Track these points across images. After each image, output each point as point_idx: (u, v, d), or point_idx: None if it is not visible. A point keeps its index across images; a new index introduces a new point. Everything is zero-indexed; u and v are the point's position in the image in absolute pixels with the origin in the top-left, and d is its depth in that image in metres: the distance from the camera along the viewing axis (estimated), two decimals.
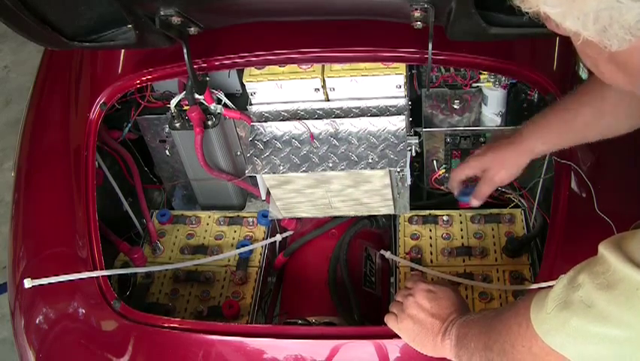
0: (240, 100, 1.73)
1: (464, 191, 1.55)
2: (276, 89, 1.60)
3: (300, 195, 1.66)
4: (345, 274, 1.68)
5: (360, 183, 1.59)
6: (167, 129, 1.80)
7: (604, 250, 0.85)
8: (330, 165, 1.53)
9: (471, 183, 1.55)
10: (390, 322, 1.31)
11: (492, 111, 1.69)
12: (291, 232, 1.85)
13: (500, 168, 1.44)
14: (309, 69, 1.58)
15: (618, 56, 0.78)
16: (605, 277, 0.84)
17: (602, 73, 0.86)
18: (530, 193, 1.73)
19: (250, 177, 1.62)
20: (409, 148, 1.58)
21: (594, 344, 0.86)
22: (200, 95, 1.66)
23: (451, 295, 1.28)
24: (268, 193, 1.68)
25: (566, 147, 1.41)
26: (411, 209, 1.71)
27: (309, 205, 1.70)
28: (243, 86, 1.67)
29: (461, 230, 1.71)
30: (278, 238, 1.80)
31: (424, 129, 1.74)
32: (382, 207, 1.69)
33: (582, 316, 0.86)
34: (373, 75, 1.55)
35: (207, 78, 1.68)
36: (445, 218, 1.72)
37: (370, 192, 1.62)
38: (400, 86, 1.57)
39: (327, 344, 1.38)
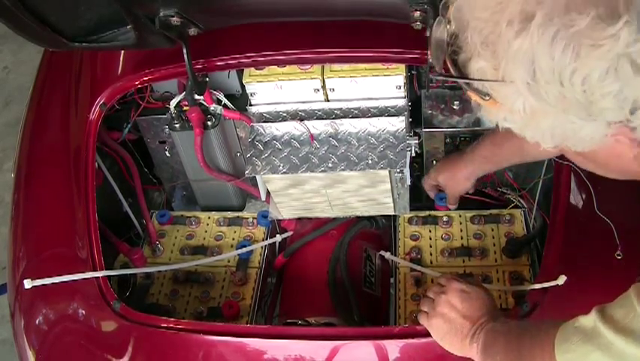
0: (240, 101, 1.73)
1: (440, 195, 1.76)
2: (276, 89, 1.60)
3: (296, 196, 1.66)
4: (344, 275, 1.68)
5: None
6: (166, 130, 1.80)
7: (633, 293, 0.87)
8: (330, 165, 1.53)
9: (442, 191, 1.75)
10: (422, 319, 1.33)
11: None
12: (290, 233, 1.84)
13: (455, 186, 1.68)
14: (308, 70, 1.58)
15: (584, 153, 0.82)
16: (629, 320, 0.86)
17: (574, 162, 0.91)
18: (530, 194, 1.73)
19: (250, 177, 1.62)
20: (408, 149, 1.58)
21: None
22: (199, 95, 1.65)
23: (484, 297, 1.28)
24: (268, 194, 1.68)
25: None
26: (411, 210, 1.71)
27: (308, 205, 1.70)
28: (242, 86, 1.67)
29: (461, 231, 1.71)
30: (278, 238, 1.80)
31: (423, 130, 1.73)
32: (382, 207, 1.69)
33: (604, 351, 0.88)
34: (373, 76, 1.55)
35: (207, 79, 1.67)
36: (444, 219, 1.72)
37: (369, 192, 1.62)
38: (400, 87, 1.56)
39: (327, 345, 1.38)
